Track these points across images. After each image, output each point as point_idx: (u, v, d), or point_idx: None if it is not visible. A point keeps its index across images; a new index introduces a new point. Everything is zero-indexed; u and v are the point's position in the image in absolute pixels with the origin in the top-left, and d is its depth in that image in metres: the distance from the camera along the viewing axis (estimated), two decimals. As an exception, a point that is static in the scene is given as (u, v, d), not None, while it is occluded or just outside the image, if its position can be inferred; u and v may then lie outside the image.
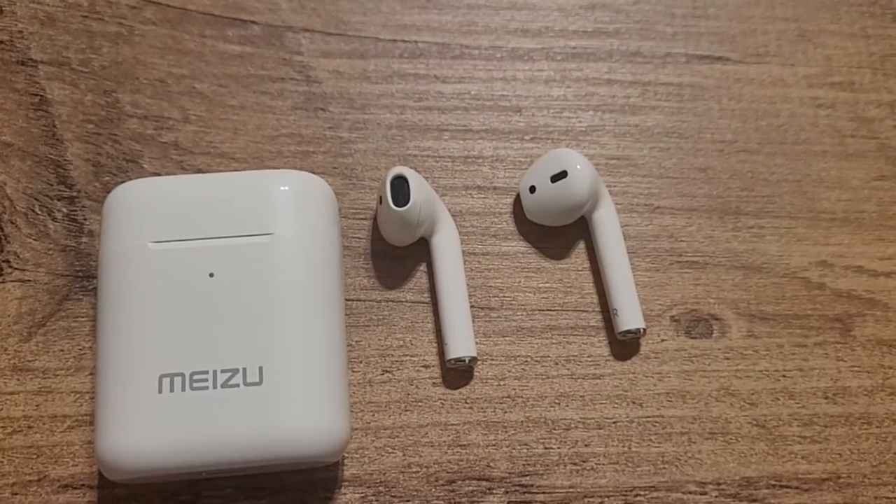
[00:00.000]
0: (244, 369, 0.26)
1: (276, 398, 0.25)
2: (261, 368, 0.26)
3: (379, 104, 0.34)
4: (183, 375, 0.26)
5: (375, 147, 0.33)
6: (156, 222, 0.27)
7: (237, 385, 0.26)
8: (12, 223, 0.31)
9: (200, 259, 0.27)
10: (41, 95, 0.33)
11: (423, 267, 0.31)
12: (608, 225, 0.31)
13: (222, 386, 0.26)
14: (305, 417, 0.26)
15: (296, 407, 0.26)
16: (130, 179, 0.31)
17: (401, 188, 0.29)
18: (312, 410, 0.26)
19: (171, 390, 0.25)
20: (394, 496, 0.29)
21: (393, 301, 0.31)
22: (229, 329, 0.26)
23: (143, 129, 0.33)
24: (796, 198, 0.34)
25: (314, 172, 0.30)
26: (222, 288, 0.27)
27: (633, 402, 0.30)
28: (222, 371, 0.26)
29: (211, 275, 0.27)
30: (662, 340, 0.31)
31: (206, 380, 0.26)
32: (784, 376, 0.31)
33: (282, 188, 0.28)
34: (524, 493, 0.29)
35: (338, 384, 0.27)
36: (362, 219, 0.32)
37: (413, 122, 0.34)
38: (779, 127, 0.35)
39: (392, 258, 0.32)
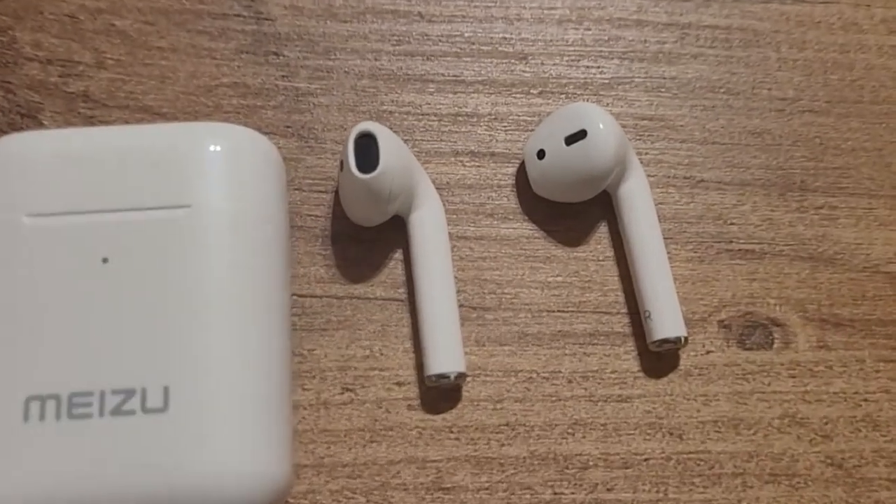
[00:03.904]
0: (143, 390, 0.22)
1: (187, 429, 0.21)
2: (166, 389, 0.22)
3: (347, 48, 0.30)
4: (58, 398, 0.21)
5: (341, 101, 0.30)
6: (33, 189, 0.23)
7: (133, 412, 0.21)
8: None
9: (91, 239, 0.23)
10: (-86, 31, 0.29)
11: (398, 254, 0.28)
12: (638, 202, 0.28)
13: (112, 413, 0.21)
14: (227, 454, 0.22)
15: (214, 441, 0.21)
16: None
17: (367, 150, 0.25)
18: (237, 445, 0.22)
19: (42, 418, 0.21)
20: (353, 558, 0.25)
21: (358, 298, 0.27)
22: (125, 335, 0.22)
23: (45, 76, 0.29)
24: (877, 171, 0.31)
25: (261, 132, 0.27)
26: (119, 278, 0.22)
27: (671, 434, 0.27)
28: (113, 392, 0.22)
29: (104, 260, 0.23)
30: (708, 352, 0.28)
31: (90, 404, 0.21)
32: (866, 400, 0.28)
33: (210, 147, 0.24)
34: (527, 554, 0.25)
35: (275, 408, 0.23)
36: (321, 191, 0.28)
37: (390, 71, 0.30)
38: (853, 82, 0.32)
39: (358, 242, 0.28)
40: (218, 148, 0.24)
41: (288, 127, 0.29)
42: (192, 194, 0.23)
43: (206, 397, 0.22)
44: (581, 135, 0.27)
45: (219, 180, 0.23)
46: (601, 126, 0.27)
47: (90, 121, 0.28)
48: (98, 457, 0.21)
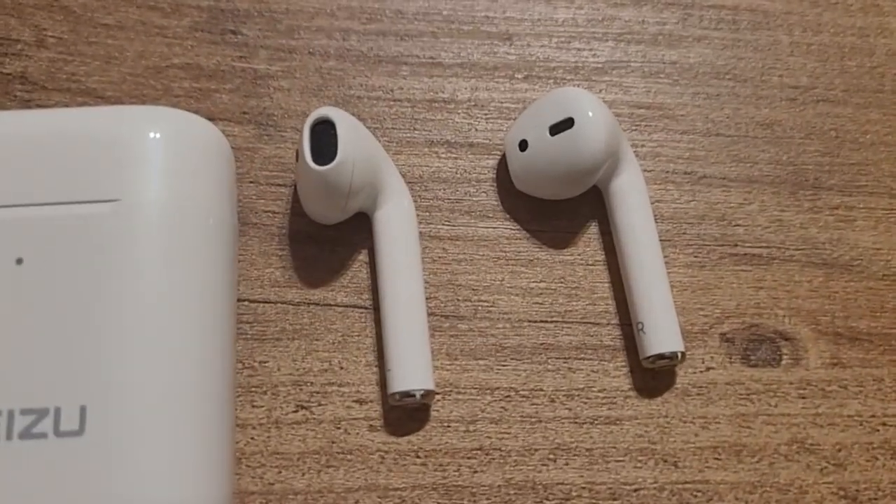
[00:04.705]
0: (57, 410, 0.20)
1: (106, 454, 0.20)
2: (83, 409, 0.20)
3: (312, 26, 0.29)
4: (-41, 419, 0.20)
5: (304, 85, 0.28)
6: (-60, 180, 0.22)
7: (44, 434, 0.20)
8: None
9: (4, 237, 0.21)
10: None
11: (362, 256, 0.27)
12: (632, 199, 0.27)
13: (21, 436, 0.20)
14: (152, 483, 0.20)
15: (136, 468, 0.20)
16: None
17: (325, 138, 0.24)
18: (164, 472, 0.20)
19: (-61, 442, 0.20)
20: None
21: (317, 304, 0.26)
22: (38, 347, 0.20)
23: (-22, 55, 0.27)
24: (899, 167, 0.30)
25: (215, 119, 0.26)
26: (34, 282, 0.21)
27: (665, 461, 0.25)
28: (22, 412, 0.20)
29: (19, 261, 0.21)
30: (709, 369, 0.27)
31: (-5, 426, 0.20)
32: (884, 424, 0.26)
33: (147, 134, 0.22)
34: None
35: (211, 429, 0.21)
36: (279, 185, 0.27)
37: (359, 52, 0.29)
38: (872, 69, 0.31)
39: (318, 242, 0.26)
40: (156, 135, 0.22)
41: (244, 113, 0.27)
42: (122, 187, 0.21)
43: (127, 418, 0.20)
44: (567, 123, 0.25)
45: (153, 171, 0.22)
46: (590, 114, 0.25)
47: (27, 104, 0.27)
48: (5, 485, 0.19)
